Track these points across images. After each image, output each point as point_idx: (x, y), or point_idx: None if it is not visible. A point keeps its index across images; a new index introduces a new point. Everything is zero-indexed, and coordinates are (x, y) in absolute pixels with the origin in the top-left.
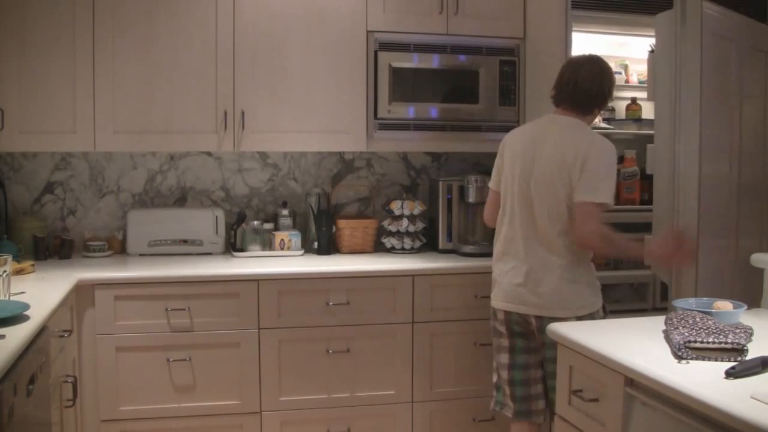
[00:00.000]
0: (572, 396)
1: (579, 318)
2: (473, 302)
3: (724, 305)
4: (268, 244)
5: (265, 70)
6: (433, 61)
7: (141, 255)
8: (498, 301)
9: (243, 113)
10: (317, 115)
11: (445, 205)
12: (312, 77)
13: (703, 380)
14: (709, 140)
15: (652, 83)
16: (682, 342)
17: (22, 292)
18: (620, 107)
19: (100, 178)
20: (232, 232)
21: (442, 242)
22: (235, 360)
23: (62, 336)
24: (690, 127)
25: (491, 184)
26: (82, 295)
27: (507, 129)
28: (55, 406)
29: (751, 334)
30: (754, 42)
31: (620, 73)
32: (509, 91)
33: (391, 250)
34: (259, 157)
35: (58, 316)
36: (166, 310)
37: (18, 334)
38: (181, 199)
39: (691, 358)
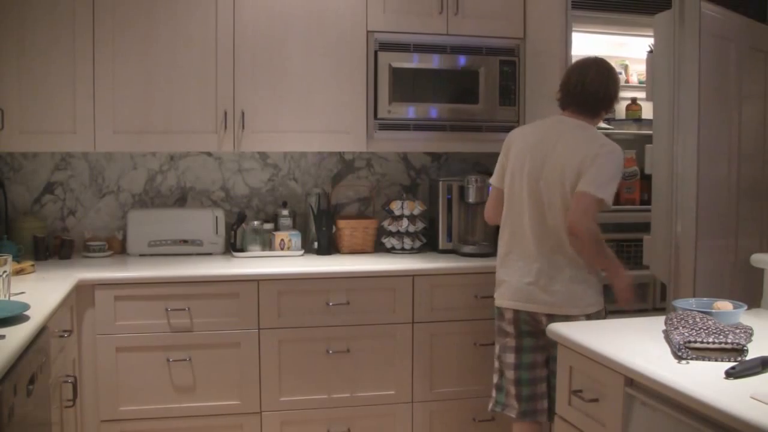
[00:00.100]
0: (572, 396)
1: (588, 316)
2: (473, 302)
3: (724, 305)
4: (268, 245)
5: (265, 70)
6: (433, 61)
7: (141, 255)
8: (506, 300)
9: (243, 113)
10: (317, 115)
11: (445, 205)
12: (312, 77)
13: (703, 380)
14: (707, 140)
15: (651, 83)
16: (682, 342)
17: (22, 292)
18: (620, 107)
19: (100, 178)
20: (232, 232)
21: (442, 242)
22: (235, 360)
23: (62, 336)
24: (688, 127)
25: (494, 182)
26: (82, 295)
27: (507, 129)
28: (55, 406)
29: (751, 335)
30: (754, 42)
31: (620, 73)
32: (509, 91)
33: (391, 250)
34: (259, 157)
35: (58, 316)
36: (166, 310)
37: (18, 334)
38: (181, 199)
39: (691, 358)
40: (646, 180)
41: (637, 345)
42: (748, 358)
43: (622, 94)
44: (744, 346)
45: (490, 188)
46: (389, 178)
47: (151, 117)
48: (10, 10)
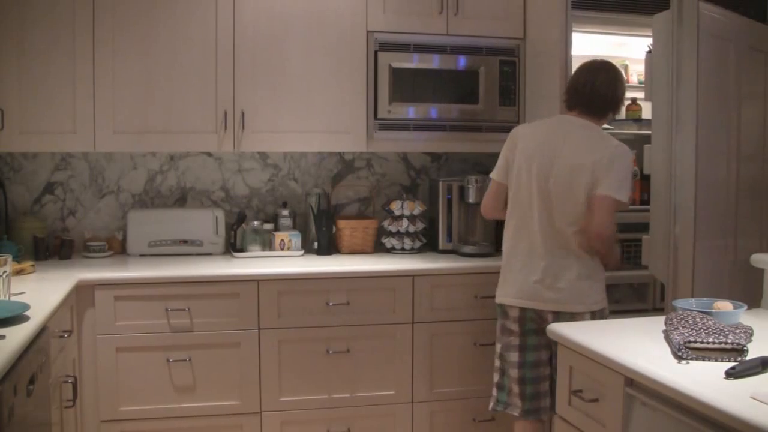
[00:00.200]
0: (572, 396)
1: (593, 313)
2: (473, 302)
3: (724, 305)
4: (268, 245)
5: (265, 70)
6: (433, 62)
7: (141, 255)
8: (510, 297)
9: (243, 113)
10: (317, 116)
11: (445, 205)
12: (312, 77)
13: (703, 380)
14: (706, 140)
15: (649, 84)
16: (682, 342)
17: (22, 293)
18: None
19: (100, 178)
20: (232, 232)
21: (442, 242)
22: (236, 360)
23: (62, 336)
24: (687, 127)
25: (497, 176)
26: (82, 295)
27: (507, 129)
28: (55, 407)
29: (751, 335)
30: (754, 42)
31: None
32: (509, 92)
33: (391, 251)
34: (259, 157)
35: (58, 316)
36: (166, 310)
37: (18, 335)
38: (181, 199)
39: (691, 359)
40: (645, 180)
41: (637, 345)
42: (748, 358)
43: None
44: (744, 346)
45: (490, 182)
46: (389, 178)
47: (151, 117)
48: (10, 10)
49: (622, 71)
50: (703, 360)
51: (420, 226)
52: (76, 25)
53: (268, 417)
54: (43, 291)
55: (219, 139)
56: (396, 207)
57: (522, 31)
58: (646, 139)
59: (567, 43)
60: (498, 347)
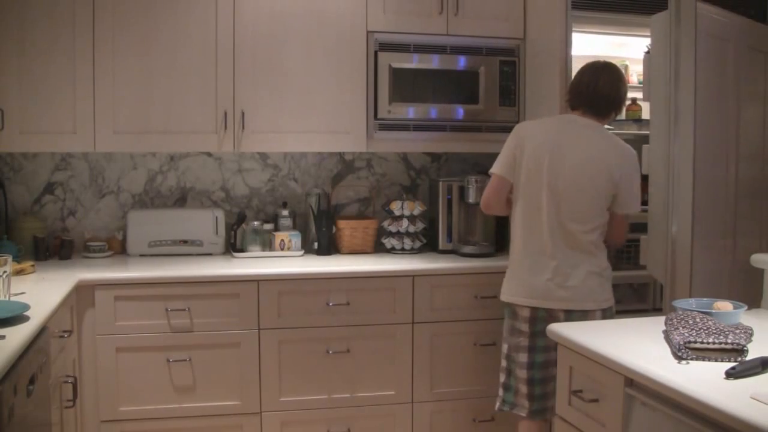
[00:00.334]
0: (572, 396)
1: (603, 311)
2: (473, 302)
3: (724, 305)
4: (268, 245)
5: (265, 70)
6: (433, 62)
7: (141, 255)
8: (521, 297)
9: (243, 113)
10: (317, 116)
11: (445, 205)
12: (312, 77)
13: (703, 380)
14: (705, 140)
15: (648, 84)
16: (682, 342)
17: (22, 293)
18: None
19: (100, 178)
20: (232, 232)
21: (442, 243)
22: (235, 360)
23: (62, 336)
24: (685, 127)
25: (500, 172)
26: (82, 295)
27: (507, 129)
28: (55, 407)
29: (751, 335)
30: (753, 42)
31: None
32: (509, 92)
33: (391, 251)
34: (259, 157)
35: (58, 316)
36: (166, 310)
37: (18, 335)
38: (181, 199)
39: (691, 359)
40: (645, 180)
41: (637, 345)
42: (748, 358)
43: None
44: (744, 346)
45: (492, 176)
46: (389, 178)
47: (151, 117)
48: (10, 10)
49: (623, 72)
50: (703, 360)
51: (420, 226)
52: (76, 24)
53: (268, 417)
54: (43, 291)
55: (219, 139)
56: (396, 207)
57: (522, 31)
58: (646, 139)
59: (567, 43)
60: (505, 348)
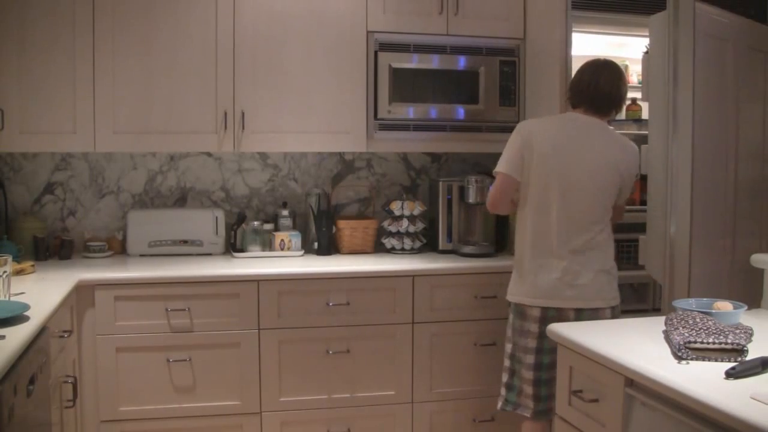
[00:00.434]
0: (572, 396)
1: (612, 309)
2: (473, 302)
3: (724, 306)
4: (268, 245)
5: (265, 70)
6: (433, 62)
7: (141, 255)
8: (530, 297)
9: (243, 113)
10: (317, 116)
11: (445, 205)
12: (312, 77)
13: (703, 380)
14: (704, 140)
15: (646, 84)
16: (682, 342)
17: (22, 293)
18: None
19: (100, 178)
20: (232, 232)
21: (442, 243)
22: (235, 360)
23: (62, 336)
24: (683, 127)
25: (507, 170)
26: (82, 295)
27: (507, 129)
28: (55, 407)
29: (751, 335)
30: (753, 42)
31: None
32: (509, 92)
33: (391, 251)
34: (259, 157)
35: (58, 316)
36: (166, 310)
37: (18, 335)
38: (181, 199)
39: (691, 359)
40: (644, 180)
41: (637, 345)
42: (748, 358)
43: None
44: (744, 346)
45: (498, 175)
46: (389, 178)
47: (151, 117)
48: (10, 10)
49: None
50: (703, 360)
51: (420, 226)
52: (76, 24)
53: (268, 417)
54: (43, 291)
55: (219, 139)
56: (396, 207)
57: (522, 31)
58: (646, 139)
59: (567, 43)
60: (509, 347)
